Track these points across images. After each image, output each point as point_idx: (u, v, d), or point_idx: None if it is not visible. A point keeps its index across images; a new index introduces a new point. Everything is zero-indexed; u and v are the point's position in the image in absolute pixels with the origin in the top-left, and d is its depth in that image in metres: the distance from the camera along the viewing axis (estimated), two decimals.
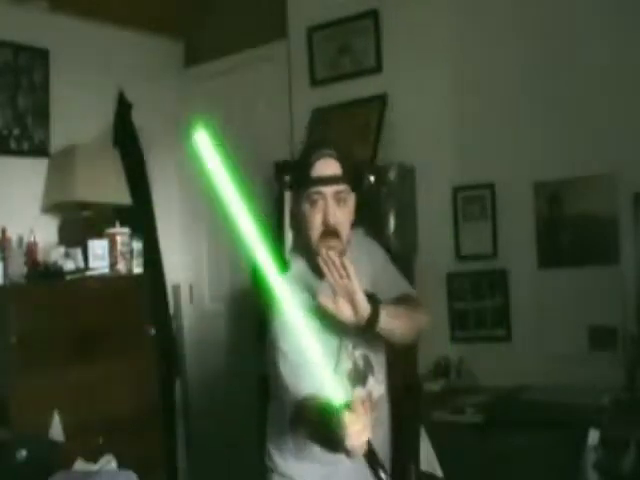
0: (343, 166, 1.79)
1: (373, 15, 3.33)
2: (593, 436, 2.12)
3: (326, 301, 1.65)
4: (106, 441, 2.82)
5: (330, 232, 1.77)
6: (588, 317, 2.75)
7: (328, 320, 1.68)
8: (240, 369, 3.79)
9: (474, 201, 3.05)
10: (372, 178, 2.95)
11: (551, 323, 2.84)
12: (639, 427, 2.21)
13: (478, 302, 3.02)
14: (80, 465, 2.64)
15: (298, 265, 1.84)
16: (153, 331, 3.39)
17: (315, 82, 3.53)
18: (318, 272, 1.76)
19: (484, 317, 3.02)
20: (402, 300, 1.85)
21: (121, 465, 2.68)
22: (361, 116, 3.27)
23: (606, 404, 2.40)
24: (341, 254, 1.76)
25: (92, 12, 3.56)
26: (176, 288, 4.11)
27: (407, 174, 3.14)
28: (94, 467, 2.63)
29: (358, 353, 1.82)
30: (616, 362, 2.65)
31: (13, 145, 3.34)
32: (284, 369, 1.70)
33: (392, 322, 1.71)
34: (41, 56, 3.44)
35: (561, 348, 2.80)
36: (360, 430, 1.36)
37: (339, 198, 1.77)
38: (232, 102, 3.96)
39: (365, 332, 1.69)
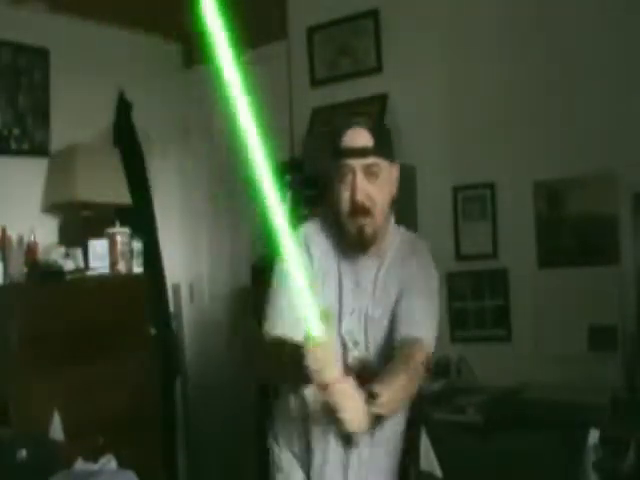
0: (376, 137, 1.62)
1: (373, 15, 3.34)
2: (593, 436, 2.12)
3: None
4: (106, 441, 2.82)
5: (359, 209, 1.64)
6: (588, 317, 2.75)
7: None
8: (240, 369, 3.79)
9: (474, 201, 3.05)
10: None
11: (551, 323, 2.84)
12: (639, 427, 2.21)
13: (478, 302, 3.03)
14: (80, 465, 2.63)
15: (311, 227, 1.76)
16: (153, 331, 3.39)
17: (315, 82, 3.53)
18: (342, 248, 1.70)
19: (484, 317, 3.02)
20: (402, 358, 1.63)
21: (121, 465, 2.68)
22: (361, 116, 3.27)
23: (606, 404, 2.40)
24: (375, 233, 1.67)
25: (92, 12, 3.56)
26: (176, 288, 4.11)
27: (407, 174, 3.13)
28: (94, 467, 2.63)
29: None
30: (616, 362, 2.65)
31: (13, 145, 3.34)
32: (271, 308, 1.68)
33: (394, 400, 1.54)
34: (41, 56, 3.44)
35: (561, 348, 2.80)
36: (324, 362, 1.35)
37: (370, 172, 1.63)
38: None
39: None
